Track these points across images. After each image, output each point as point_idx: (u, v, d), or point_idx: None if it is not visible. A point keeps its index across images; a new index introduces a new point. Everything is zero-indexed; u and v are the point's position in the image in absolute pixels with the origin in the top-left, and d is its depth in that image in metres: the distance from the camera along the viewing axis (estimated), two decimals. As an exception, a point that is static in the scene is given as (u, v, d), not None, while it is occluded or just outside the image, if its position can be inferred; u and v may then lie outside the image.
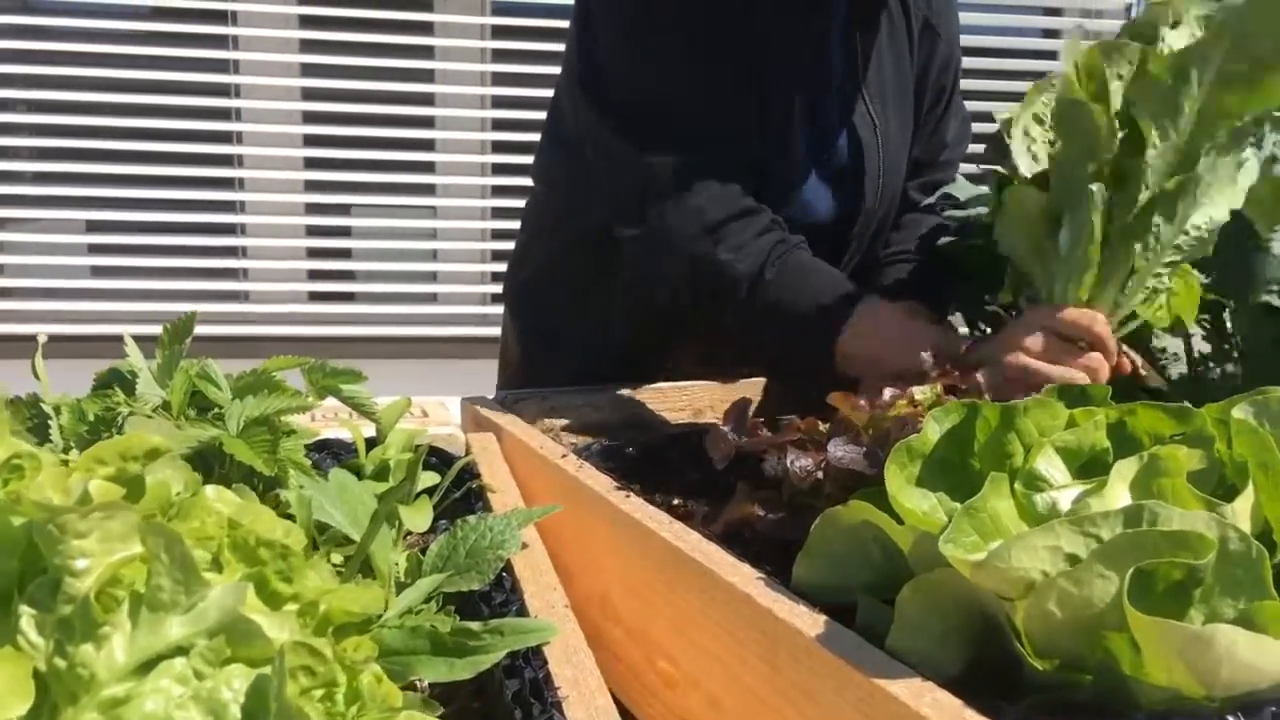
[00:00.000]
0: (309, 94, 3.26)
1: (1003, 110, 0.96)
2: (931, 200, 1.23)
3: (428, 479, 0.83)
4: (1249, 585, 0.50)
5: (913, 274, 1.20)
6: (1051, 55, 3.63)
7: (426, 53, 3.35)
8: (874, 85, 1.19)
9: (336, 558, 0.61)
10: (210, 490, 0.49)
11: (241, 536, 0.45)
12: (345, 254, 3.44)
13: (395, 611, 0.59)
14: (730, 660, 0.64)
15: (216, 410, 0.67)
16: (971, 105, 3.85)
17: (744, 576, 0.64)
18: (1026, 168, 0.90)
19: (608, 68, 1.10)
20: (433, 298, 3.36)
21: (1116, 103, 0.86)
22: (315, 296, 3.36)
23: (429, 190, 3.41)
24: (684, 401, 1.17)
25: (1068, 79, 0.89)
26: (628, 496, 0.78)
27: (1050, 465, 0.58)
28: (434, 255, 3.41)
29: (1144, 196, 0.84)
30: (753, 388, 1.19)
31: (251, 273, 3.30)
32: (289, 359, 0.75)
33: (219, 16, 3.17)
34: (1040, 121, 0.91)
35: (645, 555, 0.73)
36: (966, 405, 0.64)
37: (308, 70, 3.25)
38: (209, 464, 0.65)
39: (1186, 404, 0.61)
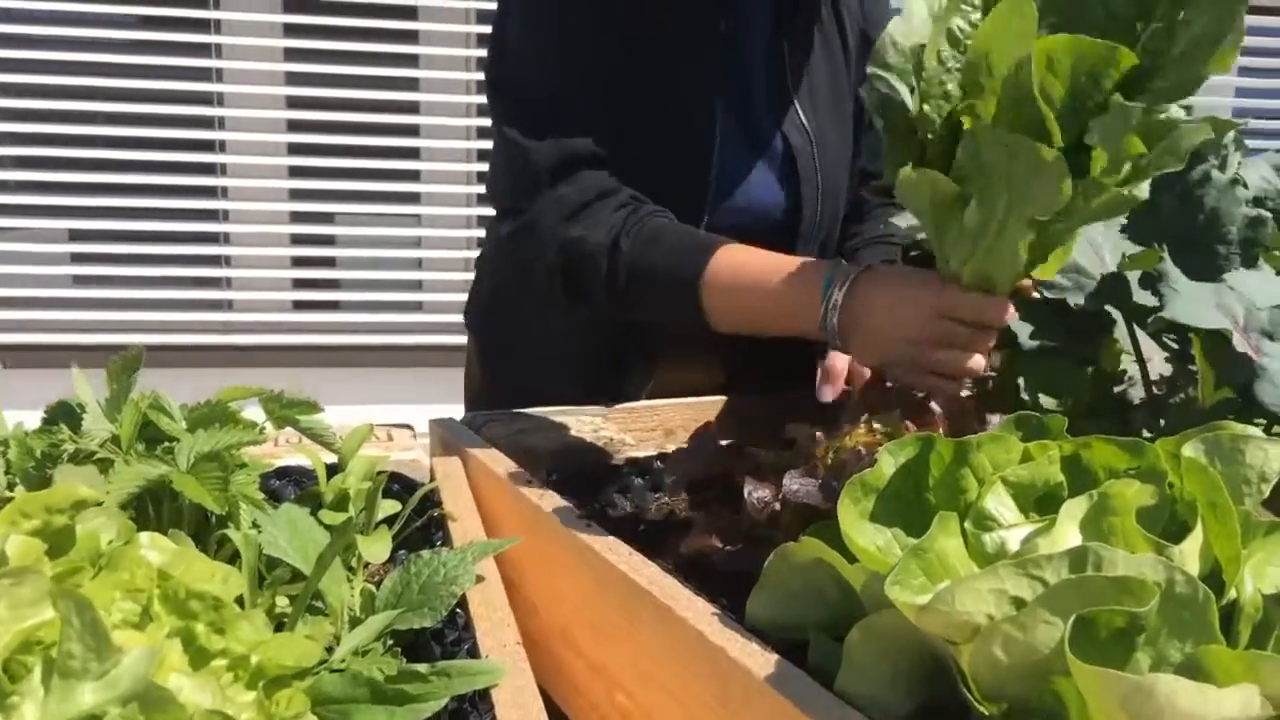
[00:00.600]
0: (293, 102, 3.26)
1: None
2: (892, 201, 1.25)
3: (388, 507, 0.82)
4: (1196, 628, 0.50)
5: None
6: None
7: (411, 61, 3.34)
8: (806, 95, 1.19)
9: (283, 599, 0.60)
10: (145, 538, 0.48)
11: (172, 588, 0.44)
12: (329, 262, 3.44)
13: (344, 651, 0.59)
14: (685, 697, 0.64)
15: (166, 444, 0.66)
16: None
17: (698, 612, 0.64)
18: (934, 111, 0.80)
19: (502, 61, 1.13)
20: (418, 306, 3.35)
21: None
22: (299, 305, 3.35)
23: (414, 199, 3.40)
24: (654, 421, 1.16)
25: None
26: (588, 525, 0.78)
27: (1000, 504, 0.58)
28: (419, 263, 3.40)
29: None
30: (729, 408, 1.19)
31: (235, 281, 3.29)
32: (245, 389, 0.74)
33: (202, 25, 3.16)
34: (955, 44, 0.81)
35: (603, 587, 0.72)
36: (921, 439, 0.63)
37: (292, 79, 3.25)
38: (159, 499, 0.64)
39: (1140, 439, 0.60)
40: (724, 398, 1.21)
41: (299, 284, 3.35)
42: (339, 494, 0.79)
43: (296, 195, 3.30)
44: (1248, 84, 3.77)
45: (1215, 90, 3.75)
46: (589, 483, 0.96)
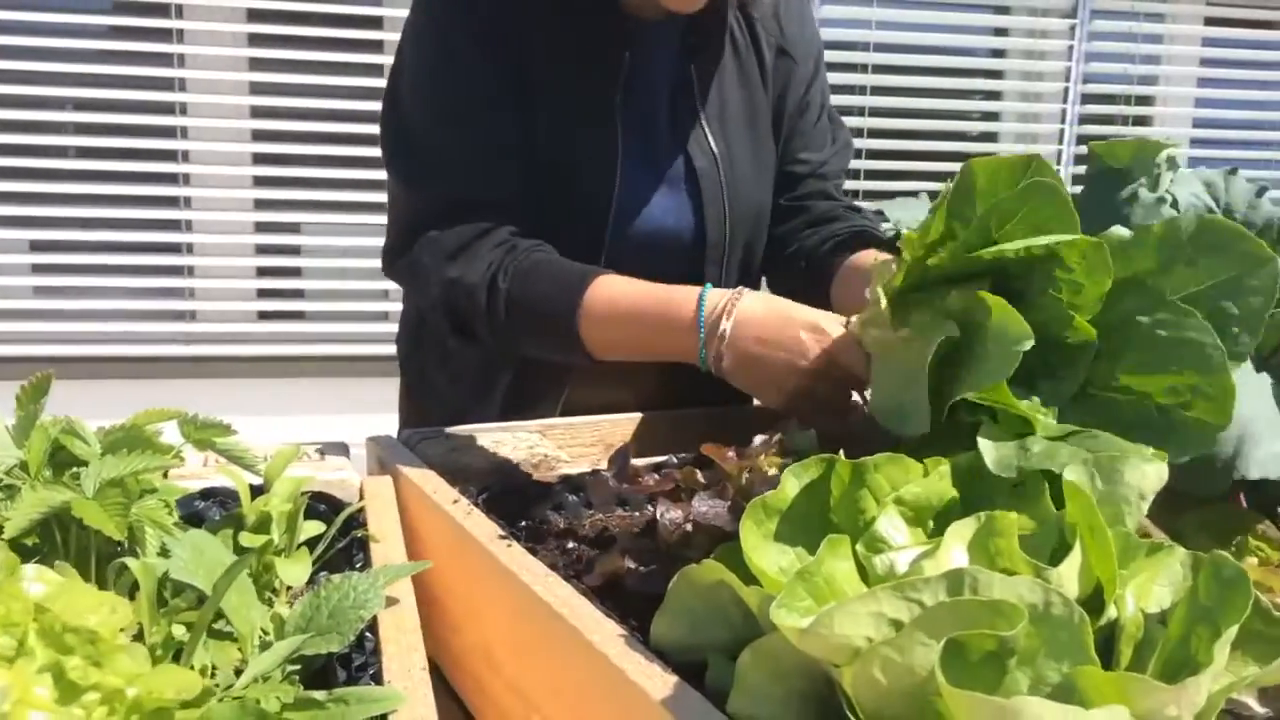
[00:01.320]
0: (258, 112, 3.24)
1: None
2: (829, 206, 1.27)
3: (312, 529, 0.82)
4: (1072, 650, 0.51)
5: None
6: (1000, 54, 3.68)
7: (377, 71, 3.33)
8: (715, 114, 1.21)
9: (179, 628, 0.60)
10: (30, 570, 0.49)
11: (49, 623, 0.44)
12: (295, 272, 3.42)
13: (247, 678, 0.59)
14: (591, 719, 0.64)
15: (74, 470, 0.66)
16: (921, 103, 3.86)
17: (606, 634, 0.64)
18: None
19: (394, 109, 1.16)
20: (384, 316, 3.35)
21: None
22: (265, 315, 3.34)
23: (380, 208, 3.39)
24: (594, 436, 1.17)
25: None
26: (509, 545, 0.78)
27: (891, 525, 0.59)
28: (385, 273, 3.39)
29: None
30: (664, 422, 1.20)
31: (199, 292, 3.28)
32: (161, 411, 0.74)
33: (164, 35, 3.15)
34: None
35: (521, 608, 0.73)
36: (824, 460, 0.65)
37: (256, 89, 3.24)
38: (66, 526, 0.65)
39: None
40: (668, 412, 1.22)
41: (264, 294, 3.34)
42: (260, 516, 0.79)
43: (261, 205, 3.29)
44: (1206, 94, 3.81)
45: (1174, 100, 3.80)
46: (521, 501, 0.96)
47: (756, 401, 1.30)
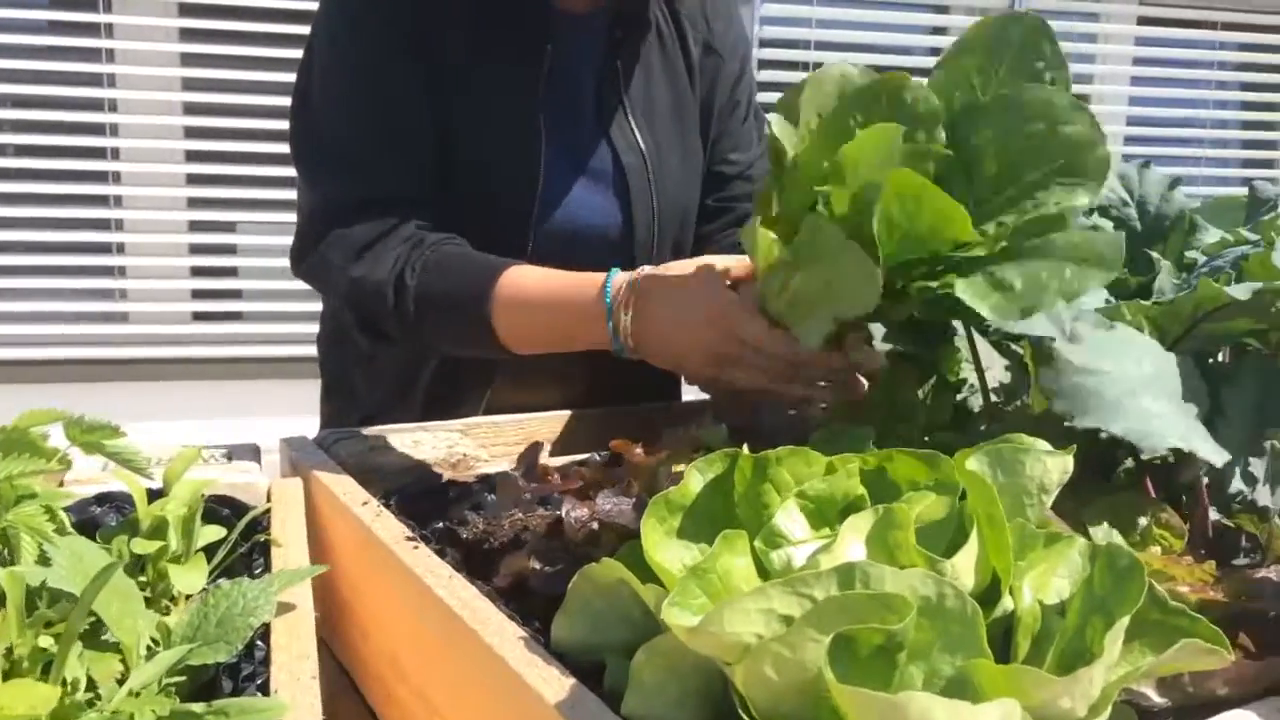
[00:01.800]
0: (191, 109, 3.17)
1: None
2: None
3: (212, 534, 0.80)
4: (965, 643, 0.50)
5: None
6: (937, 53, 3.71)
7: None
8: (641, 110, 1.20)
9: (50, 639, 0.57)
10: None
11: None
12: (231, 272, 3.36)
13: (125, 691, 0.56)
14: (493, 723, 0.62)
15: (-55, 477, 0.63)
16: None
17: (506, 637, 0.63)
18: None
19: (304, 107, 1.14)
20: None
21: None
22: (199, 316, 3.27)
23: (319, 207, 3.34)
24: (520, 435, 1.15)
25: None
26: (416, 547, 0.76)
27: (789, 520, 0.58)
28: (323, 273, 3.34)
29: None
30: (591, 420, 1.18)
31: (131, 293, 3.20)
32: (46, 412, 0.71)
33: (92, 29, 3.07)
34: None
35: (425, 612, 0.71)
36: (728, 454, 0.63)
37: (189, 84, 3.17)
38: (-64, 534, 0.61)
39: (935, 453, 0.61)
40: (595, 410, 1.21)
41: (198, 294, 3.27)
42: (156, 521, 0.77)
43: (195, 204, 3.22)
44: (1140, 92, 3.88)
45: (1109, 99, 3.86)
46: (436, 501, 0.94)
47: (686, 397, 1.29)
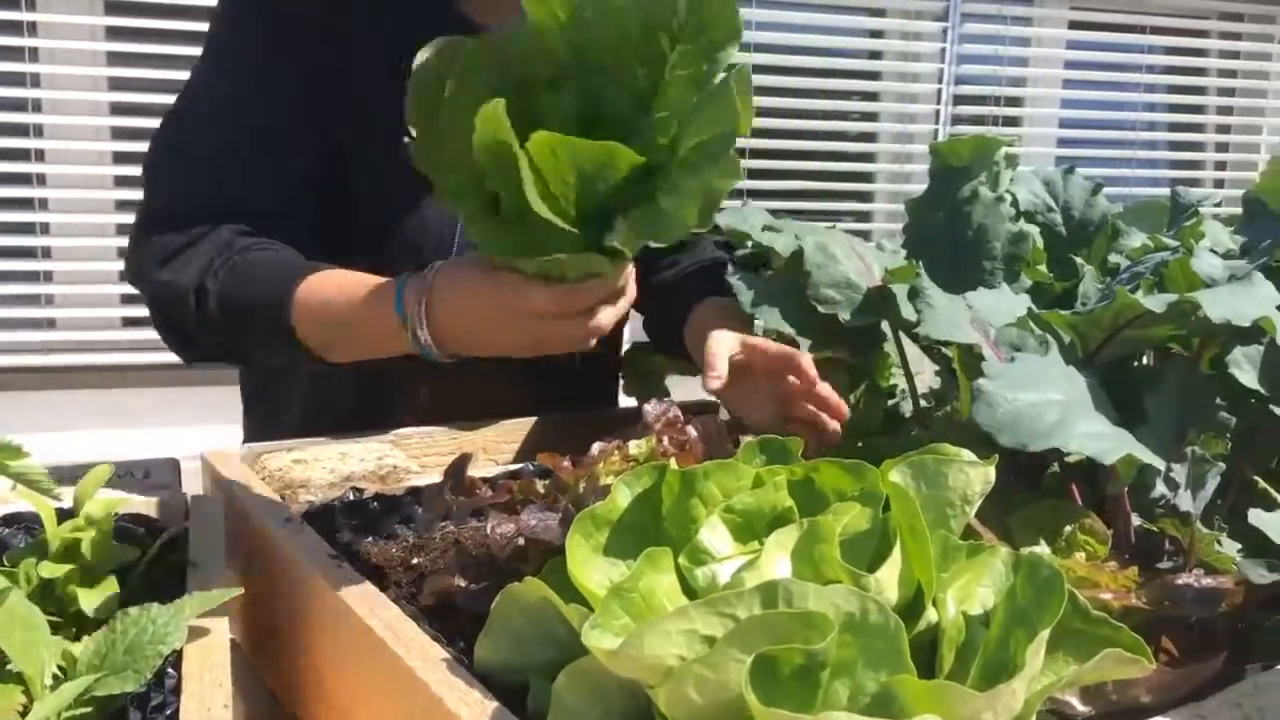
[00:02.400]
0: (118, 109, 3.09)
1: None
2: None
3: (127, 555, 0.77)
4: (888, 658, 0.50)
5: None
6: (876, 55, 3.75)
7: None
8: None
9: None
10: None
11: None
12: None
13: (26, 724, 0.54)
14: (415, 746, 0.61)
15: None
16: (799, 103, 3.89)
17: (428, 660, 0.61)
18: None
19: (180, 99, 1.12)
20: (259, 321, 3.24)
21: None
22: (129, 322, 3.19)
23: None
24: (454, 445, 1.13)
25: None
26: (340, 566, 0.74)
27: (714, 536, 0.57)
28: (259, 277, 3.27)
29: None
30: (529, 429, 1.17)
31: (58, 298, 3.11)
32: (-55, 435, 0.68)
33: (15, 28, 2.97)
34: None
35: (346, 632, 0.69)
36: (656, 468, 0.63)
37: (116, 84, 3.08)
38: None
39: (861, 463, 0.61)
40: (532, 419, 1.19)
41: (128, 299, 3.19)
42: (66, 543, 0.74)
43: (123, 206, 3.14)
44: (1071, 95, 3.95)
45: (1041, 101, 3.93)
46: (366, 516, 0.92)
47: (630, 403, 1.28)
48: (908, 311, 0.90)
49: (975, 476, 0.58)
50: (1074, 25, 3.93)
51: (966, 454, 0.60)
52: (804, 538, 0.55)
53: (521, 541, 0.67)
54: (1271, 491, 0.74)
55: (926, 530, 0.53)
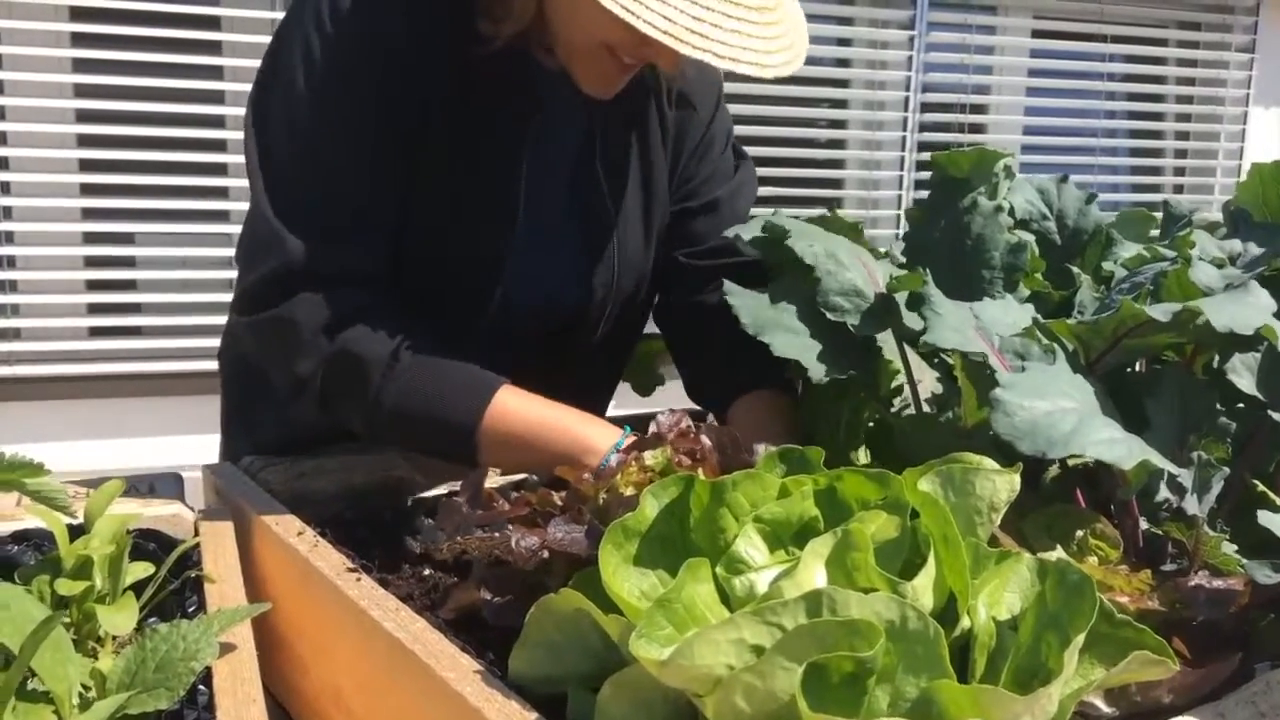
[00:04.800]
0: (84, 116, 3.05)
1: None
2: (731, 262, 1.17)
3: (139, 571, 0.76)
4: (928, 664, 0.51)
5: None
6: (845, 63, 3.79)
7: (215, 73, 3.18)
8: (610, 174, 1.13)
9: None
10: None
11: None
12: (130, 285, 3.23)
13: (61, 744, 0.54)
14: (449, 759, 0.61)
15: None
16: (766, 110, 3.91)
17: (461, 671, 0.61)
18: None
19: (261, 129, 1.02)
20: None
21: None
22: (96, 332, 3.14)
23: (222, 216, 3.24)
24: (453, 456, 1.13)
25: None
26: (359, 579, 0.74)
27: (750, 546, 0.58)
28: (229, 285, 3.24)
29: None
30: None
31: (24, 308, 3.06)
32: (-40, 452, 0.67)
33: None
34: None
35: (370, 645, 0.69)
36: (683, 479, 0.63)
37: (82, 91, 3.04)
38: None
39: (885, 471, 0.62)
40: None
41: (95, 309, 3.14)
42: (80, 560, 0.73)
43: (90, 214, 3.09)
44: (1035, 103, 4.02)
45: (1006, 109, 3.99)
46: (373, 528, 0.92)
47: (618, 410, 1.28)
48: (911, 319, 0.92)
49: (1002, 485, 0.59)
50: (1037, 34, 4.00)
51: (989, 462, 0.62)
52: (839, 546, 0.56)
53: (546, 554, 0.68)
54: (1270, 494, 0.77)
55: (959, 538, 0.55)
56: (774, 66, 0.91)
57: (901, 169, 3.79)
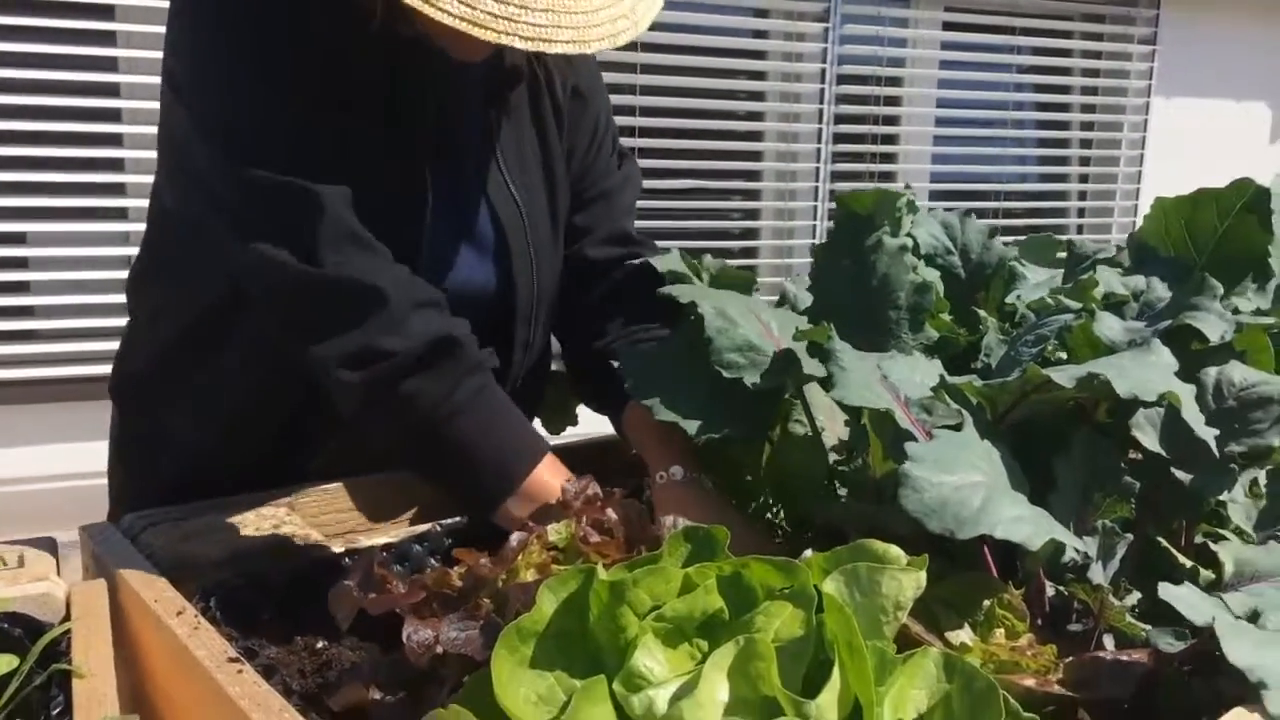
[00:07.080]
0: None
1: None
2: (626, 253, 1.21)
3: (3, 665, 0.71)
4: (832, 789, 0.49)
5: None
6: (760, 55, 3.79)
7: (109, 64, 3.04)
8: (514, 164, 1.13)
9: None
10: None
11: None
12: (22, 287, 3.08)
13: None
14: None
15: None
16: (684, 102, 3.93)
17: (346, 786, 0.58)
18: None
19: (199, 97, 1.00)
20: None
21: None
22: (-7, 336, 3.00)
23: (121, 214, 3.10)
24: (349, 504, 1.08)
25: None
26: (240, 671, 0.70)
27: (649, 657, 0.55)
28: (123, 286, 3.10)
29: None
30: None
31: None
32: None
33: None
34: None
35: (252, 748, 0.65)
36: (582, 573, 0.60)
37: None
38: None
39: (791, 561, 0.60)
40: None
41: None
42: (-67, 660, 0.68)
43: (-21, 217, 2.94)
44: (945, 95, 4.07)
45: (918, 100, 4.04)
46: (262, 595, 0.88)
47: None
48: (811, 368, 0.89)
49: (907, 583, 0.57)
50: (948, 26, 4.05)
51: (896, 552, 0.60)
52: (741, 655, 0.54)
53: (440, 650, 0.65)
54: (1174, 552, 0.77)
55: (864, 648, 0.53)
56: (595, 41, 0.89)
57: (818, 161, 3.80)
